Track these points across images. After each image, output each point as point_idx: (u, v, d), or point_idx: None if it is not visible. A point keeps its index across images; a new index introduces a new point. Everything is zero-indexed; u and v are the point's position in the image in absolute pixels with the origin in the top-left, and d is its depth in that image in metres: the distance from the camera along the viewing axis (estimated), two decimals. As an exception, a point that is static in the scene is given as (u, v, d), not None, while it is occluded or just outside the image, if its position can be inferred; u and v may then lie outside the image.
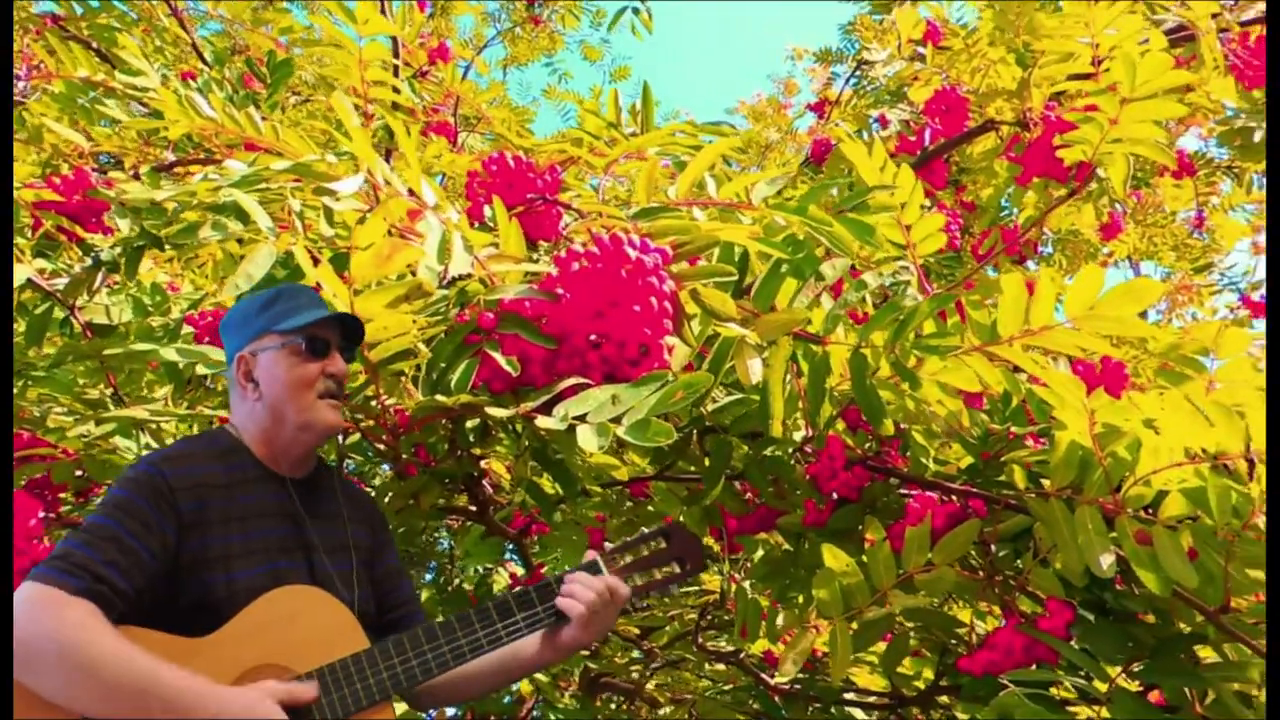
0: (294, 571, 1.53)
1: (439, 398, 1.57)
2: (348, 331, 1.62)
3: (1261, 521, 1.39)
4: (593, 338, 1.62)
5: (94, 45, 3.44)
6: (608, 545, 1.72)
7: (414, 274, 1.60)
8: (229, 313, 1.66)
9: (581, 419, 1.41)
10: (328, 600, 1.51)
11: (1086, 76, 2.19)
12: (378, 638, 1.59)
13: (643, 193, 1.83)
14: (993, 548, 1.84)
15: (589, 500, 2.61)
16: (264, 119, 2.07)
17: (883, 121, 3.41)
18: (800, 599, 2.09)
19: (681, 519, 2.37)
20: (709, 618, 3.19)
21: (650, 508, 2.61)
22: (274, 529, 1.54)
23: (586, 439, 1.36)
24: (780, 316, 1.73)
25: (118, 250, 2.04)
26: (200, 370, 1.90)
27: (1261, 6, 2.81)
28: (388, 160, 3.34)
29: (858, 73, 4.69)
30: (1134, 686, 1.57)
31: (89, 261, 2.15)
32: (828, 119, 5.06)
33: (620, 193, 2.63)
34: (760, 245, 1.71)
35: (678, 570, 1.73)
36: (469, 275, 1.69)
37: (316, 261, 1.53)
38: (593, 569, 1.63)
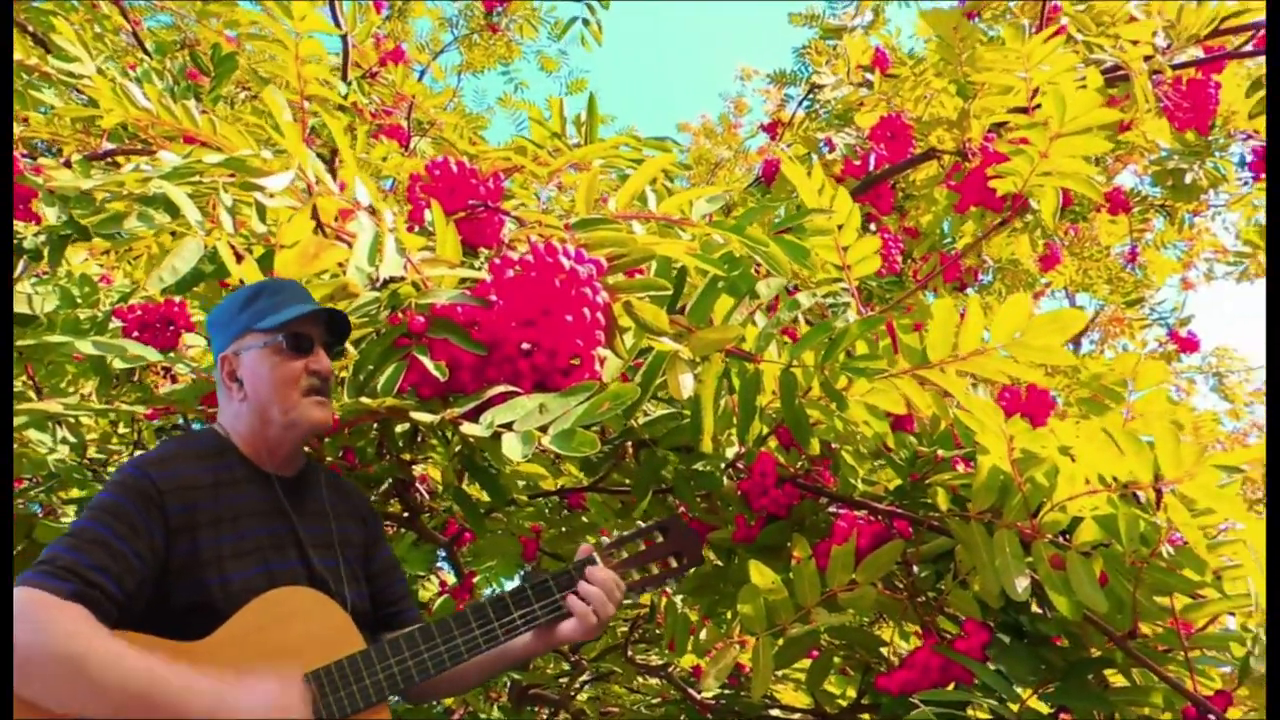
0: (289, 571, 1.50)
1: (365, 400, 1.54)
2: (332, 327, 1.60)
3: (1167, 550, 1.43)
4: (524, 346, 1.61)
5: (29, 29, 3.35)
6: (604, 540, 1.70)
7: (345, 273, 1.58)
8: (213, 311, 1.63)
9: (508, 427, 1.39)
10: (322, 601, 1.49)
11: (1023, 110, 2.24)
12: (372, 634, 1.58)
13: (582, 204, 1.83)
14: (915, 568, 1.86)
15: (523, 510, 2.59)
16: (204, 112, 2.03)
17: (830, 145, 3.46)
18: (729, 614, 2.10)
19: (615, 531, 2.37)
20: (639, 631, 3.18)
21: (585, 519, 2.61)
22: (265, 528, 1.52)
23: (511, 447, 1.35)
24: (714, 333, 1.73)
25: (41, 239, 1.98)
26: (117, 365, 1.85)
27: (1194, 52, 2.91)
28: (333, 160, 3.30)
29: (810, 96, 4.76)
30: (1045, 709, 1.60)
31: (11, 249, 2.09)
32: (779, 140, 5.12)
33: (564, 203, 2.62)
34: (697, 261, 1.72)
35: (675, 565, 1.72)
36: (401, 278, 1.67)
37: (241, 258, 1.50)
38: (590, 566, 1.62)
